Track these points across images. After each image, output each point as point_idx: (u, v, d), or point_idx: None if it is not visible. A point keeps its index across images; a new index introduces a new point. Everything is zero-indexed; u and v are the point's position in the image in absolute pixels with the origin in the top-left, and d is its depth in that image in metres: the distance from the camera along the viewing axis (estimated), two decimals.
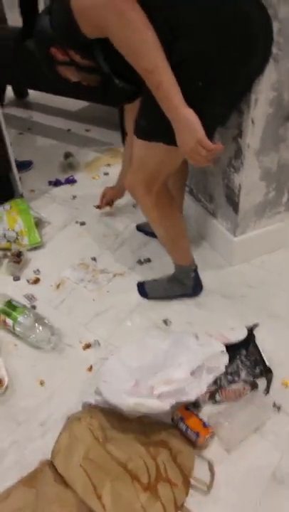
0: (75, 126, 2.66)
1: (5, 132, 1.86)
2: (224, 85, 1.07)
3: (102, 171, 2.22)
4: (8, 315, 1.41)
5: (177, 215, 1.34)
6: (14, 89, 3.02)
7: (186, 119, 0.98)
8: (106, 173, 2.20)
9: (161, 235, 1.40)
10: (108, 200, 1.86)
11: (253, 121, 1.28)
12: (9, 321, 1.41)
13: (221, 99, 1.10)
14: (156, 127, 1.07)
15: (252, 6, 1.04)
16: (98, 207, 1.89)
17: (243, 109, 1.27)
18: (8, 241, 1.77)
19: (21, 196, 2.02)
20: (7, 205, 1.88)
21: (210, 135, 1.05)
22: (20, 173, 2.03)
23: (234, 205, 1.49)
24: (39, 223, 1.88)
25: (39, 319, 1.41)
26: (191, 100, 0.98)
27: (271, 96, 1.26)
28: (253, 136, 1.31)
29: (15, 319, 1.40)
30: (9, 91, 2.97)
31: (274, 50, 1.17)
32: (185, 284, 1.45)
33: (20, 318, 1.39)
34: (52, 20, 1.08)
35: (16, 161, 1.96)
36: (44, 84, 2.57)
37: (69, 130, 2.63)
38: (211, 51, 1.00)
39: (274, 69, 1.21)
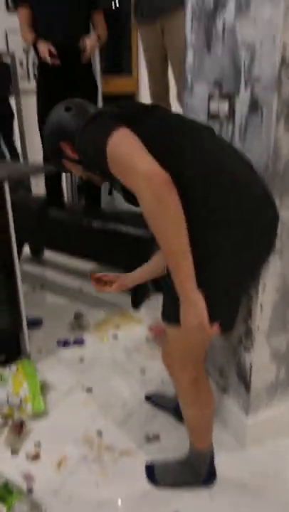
0: (87, 286, 2.80)
1: (20, 290, 1.97)
2: (236, 266, 1.11)
3: (110, 333, 2.27)
4: (2, 501, 1.30)
5: (211, 398, 1.31)
6: (31, 248, 3.28)
7: (194, 302, 1.03)
8: (115, 336, 2.24)
9: (188, 415, 1.33)
10: (112, 285, 1.49)
11: (261, 306, 1.37)
12: (2, 510, 1.29)
13: (232, 281, 1.13)
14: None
15: (271, 202, 1.15)
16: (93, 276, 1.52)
17: (252, 293, 1.37)
18: (10, 407, 1.73)
19: (29, 356, 2.04)
20: (14, 367, 1.88)
21: (221, 315, 1.11)
22: (29, 331, 2.08)
23: (246, 384, 1.49)
24: (44, 387, 1.85)
25: (35, 507, 1.29)
26: (203, 280, 1.03)
27: (277, 283, 1.37)
28: (262, 319, 1.39)
29: (9, 507, 1.28)
30: (26, 249, 3.22)
31: (277, 244, 1.31)
32: (199, 471, 1.36)
33: (15, 507, 1.28)
34: (81, 138, 1.09)
35: (26, 318, 2.02)
36: (60, 246, 2.82)
37: (80, 289, 2.77)
38: (234, 239, 1.07)
39: (279, 259, 1.34)
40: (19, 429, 1.62)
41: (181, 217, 0.96)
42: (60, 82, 2.47)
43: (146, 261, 2.42)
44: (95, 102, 2.62)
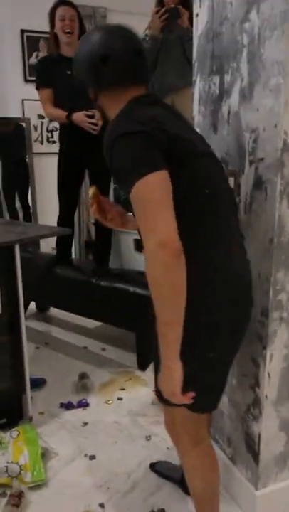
0: (92, 344, 2.82)
1: (25, 350, 1.96)
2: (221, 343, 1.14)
3: (116, 395, 2.25)
4: None
5: (215, 463, 1.29)
6: (37, 304, 3.32)
7: (172, 371, 1.02)
8: (120, 398, 2.23)
9: (193, 483, 1.30)
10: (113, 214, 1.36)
11: (269, 374, 1.39)
12: None
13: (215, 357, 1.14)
14: None
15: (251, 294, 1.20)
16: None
17: (259, 361, 1.39)
18: (9, 476, 1.69)
19: (30, 420, 2.01)
20: (14, 432, 1.85)
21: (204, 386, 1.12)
22: (32, 392, 2.06)
23: (254, 454, 1.47)
24: (46, 454, 1.82)
25: None
26: (188, 351, 1.03)
27: (284, 352, 1.39)
28: (269, 388, 1.40)
29: None
30: (31, 304, 3.26)
31: (284, 314, 1.35)
32: None
33: None
34: (115, 143, 1.01)
35: (29, 378, 2.00)
36: (66, 305, 2.86)
37: (85, 347, 2.78)
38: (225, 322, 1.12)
39: (286, 328, 1.37)
40: (17, 501, 1.58)
41: (183, 291, 0.96)
42: (79, 147, 2.63)
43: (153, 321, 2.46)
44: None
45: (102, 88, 1.12)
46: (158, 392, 1.19)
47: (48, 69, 2.62)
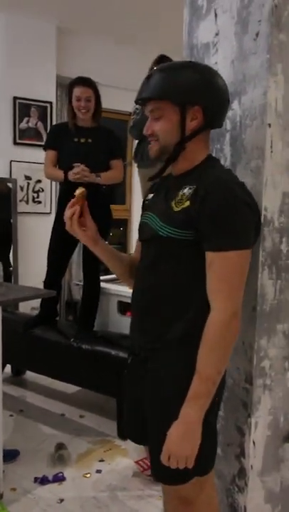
0: (70, 410, 2.80)
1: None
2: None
3: (94, 467, 2.23)
4: None
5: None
6: (12, 367, 3.29)
7: (196, 432, 1.11)
8: (98, 471, 2.21)
9: None
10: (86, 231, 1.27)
11: (254, 443, 1.44)
12: None
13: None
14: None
15: None
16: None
17: (244, 430, 1.45)
18: None
19: (0, 497, 1.95)
20: None
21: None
22: (3, 465, 2.02)
23: None
24: None
25: None
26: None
27: (268, 420, 1.46)
28: (255, 458, 1.44)
29: None
30: (6, 367, 3.23)
31: (267, 381, 1.43)
32: None
33: None
34: (225, 208, 1.09)
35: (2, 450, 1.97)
36: (44, 368, 2.86)
37: (63, 415, 2.76)
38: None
39: (269, 395, 1.45)
40: None
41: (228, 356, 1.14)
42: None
43: None
44: (107, 230, 2.87)
45: (209, 125, 1.21)
46: (159, 474, 1.22)
47: (57, 134, 2.83)
